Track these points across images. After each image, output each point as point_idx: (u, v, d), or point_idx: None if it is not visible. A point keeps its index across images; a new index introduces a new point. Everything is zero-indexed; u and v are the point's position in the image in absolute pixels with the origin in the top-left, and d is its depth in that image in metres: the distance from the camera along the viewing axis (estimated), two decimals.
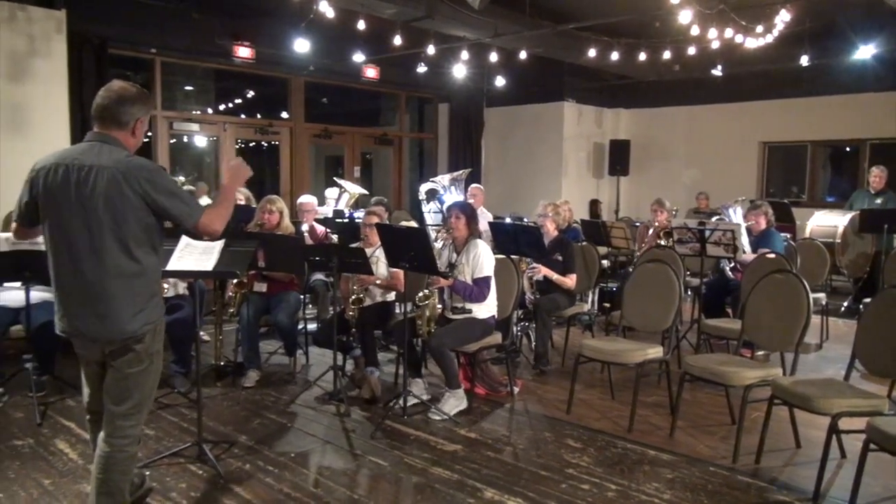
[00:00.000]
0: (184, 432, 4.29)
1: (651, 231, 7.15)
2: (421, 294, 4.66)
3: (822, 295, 6.49)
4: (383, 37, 7.99)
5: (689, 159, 11.81)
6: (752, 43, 7.84)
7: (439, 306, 4.91)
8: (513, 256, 5.35)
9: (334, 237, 6.63)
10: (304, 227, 6.48)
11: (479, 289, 4.73)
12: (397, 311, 5.50)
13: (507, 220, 6.85)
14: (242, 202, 6.39)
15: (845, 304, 8.17)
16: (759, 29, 7.58)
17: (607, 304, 6.92)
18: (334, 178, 9.28)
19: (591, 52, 8.88)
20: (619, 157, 11.97)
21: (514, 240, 5.72)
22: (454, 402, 4.68)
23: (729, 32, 7.53)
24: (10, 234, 4.55)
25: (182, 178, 10.56)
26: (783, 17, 6.98)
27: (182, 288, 5.35)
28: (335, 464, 3.92)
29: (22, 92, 6.15)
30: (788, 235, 7.46)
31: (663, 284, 4.73)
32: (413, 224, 7.10)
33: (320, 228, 6.72)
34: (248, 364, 5.38)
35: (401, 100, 11.96)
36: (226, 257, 3.84)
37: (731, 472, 3.79)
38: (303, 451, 4.09)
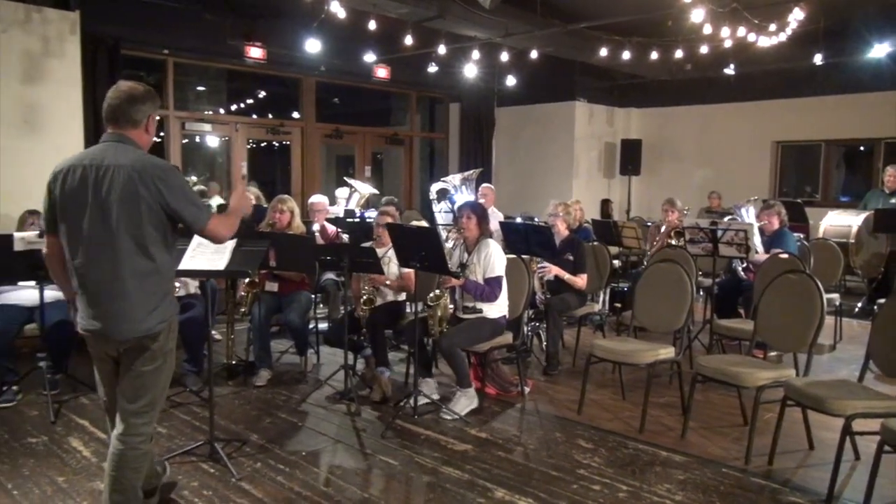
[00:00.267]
0: (196, 431, 4.32)
1: (662, 231, 7.12)
2: (432, 294, 4.66)
3: (835, 295, 6.45)
4: (394, 37, 8.00)
5: (702, 159, 11.75)
6: (765, 42, 7.78)
7: (451, 306, 4.91)
8: (524, 256, 5.34)
9: (345, 237, 6.64)
10: (316, 227, 6.50)
11: (490, 288, 4.72)
12: (408, 310, 5.51)
13: (518, 220, 6.84)
14: (253, 202, 6.41)
15: (859, 304, 8.11)
16: (773, 27, 7.53)
17: (618, 304, 6.90)
18: (345, 178, 9.29)
19: (603, 52, 8.85)
20: (630, 157, 11.92)
21: (524, 239, 5.71)
22: (466, 402, 4.68)
23: (742, 31, 7.48)
24: (25, 234, 4.61)
25: (194, 178, 10.62)
26: (797, 16, 6.92)
27: (194, 287, 5.38)
28: (346, 463, 3.93)
29: (36, 92, 6.20)
30: (801, 235, 7.41)
31: (675, 284, 4.71)
32: (424, 224, 7.10)
33: (331, 228, 6.74)
34: (259, 363, 5.40)
35: (412, 100, 11.96)
36: (237, 257, 3.86)
37: (743, 474, 3.77)
38: (314, 450, 4.10)
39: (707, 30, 7.08)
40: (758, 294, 4.67)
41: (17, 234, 4.61)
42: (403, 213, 9.04)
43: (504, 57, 8.89)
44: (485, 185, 7.98)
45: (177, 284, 4.72)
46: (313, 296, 5.93)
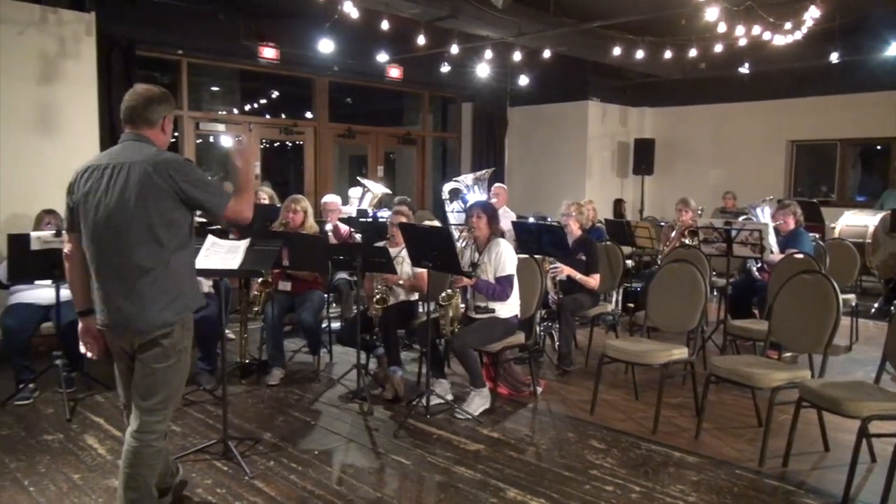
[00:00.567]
0: (209, 429, 4.34)
1: (675, 231, 7.08)
2: (444, 294, 4.66)
3: (851, 296, 6.39)
4: (407, 37, 8.01)
5: (716, 158, 11.68)
6: (780, 40, 7.72)
7: (462, 306, 4.91)
8: (536, 256, 5.33)
9: (358, 236, 6.65)
10: (328, 227, 6.52)
11: (501, 287, 4.72)
12: (420, 310, 5.51)
13: (531, 220, 6.82)
14: (267, 202, 6.44)
15: (876, 305, 8.03)
16: (788, 26, 7.46)
17: (631, 305, 6.87)
18: (358, 178, 9.31)
19: (616, 51, 8.81)
20: (643, 157, 11.87)
21: (537, 239, 5.69)
22: (479, 402, 4.68)
23: (756, 30, 7.42)
24: (41, 233, 4.66)
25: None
26: (812, 14, 6.86)
27: (208, 286, 5.41)
28: (358, 462, 3.94)
29: (52, 93, 6.25)
30: (817, 235, 7.35)
31: (689, 284, 4.69)
32: (436, 223, 7.10)
33: (344, 228, 6.76)
34: (272, 362, 5.43)
35: (424, 99, 11.97)
36: (251, 256, 3.88)
37: (757, 475, 3.74)
38: (326, 448, 4.11)
39: (721, 28, 7.03)
40: (772, 294, 4.64)
41: (33, 234, 4.66)
42: (416, 212, 9.04)
43: (517, 56, 8.87)
44: (497, 184, 7.97)
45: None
46: (326, 295, 5.95)
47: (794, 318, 4.24)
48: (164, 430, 2.96)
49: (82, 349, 3.04)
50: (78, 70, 6.42)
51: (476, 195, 7.29)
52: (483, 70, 9.34)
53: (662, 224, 8.48)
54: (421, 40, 7.63)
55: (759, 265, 6.15)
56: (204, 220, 5.26)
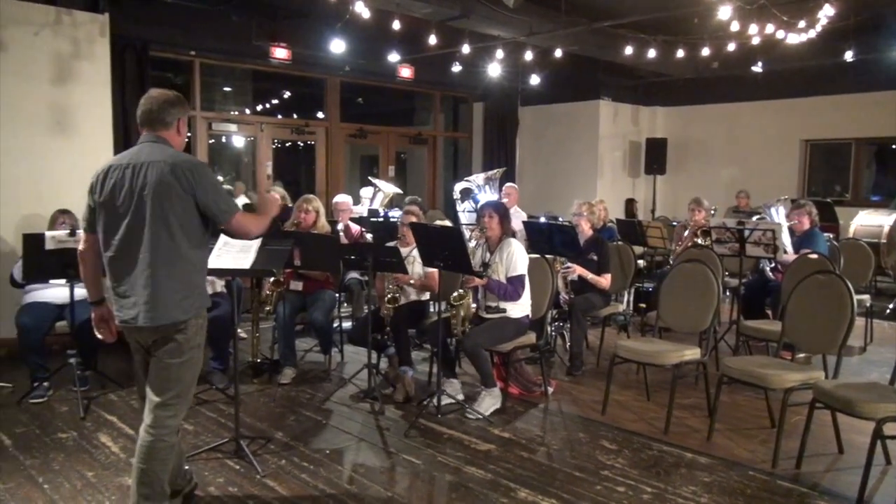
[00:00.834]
0: (222, 428, 4.37)
1: (688, 230, 7.05)
2: (455, 294, 4.66)
3: (866, 297, 6.34)
4: (418, 36, 8.01)
5: (728, 158, 11.61)
6: (794, 38, 7.66)
7: (473, 306, 4.91)
8: (547, 256, 5.32)
9: (369, 236, 6.67)
10: (340, 227, 6.53)
11: (513, 287, 4.71)
12: (431, 310, 5.52)
13: (542, 220, 6.81)
14: (279, 202, 6.45)
15: (890, 306, 7.96)
16: (802, 24, 7.40)
17: (643, 305, 6.84)
18: (369, 178, 9.33)
19: (628, 50, 8.77)
20: (655, 156, 11.82)
21: (548, 239, 5.68)
22: (490, 401, 4.67)
23: (770, 28, 7.37)
24: (56, 233, 4.70)
25: (220, 178, 10.73)
26: (827, 12, 6.80)
27: (220, 286, 5.44)
28: (369, 461, 3.94)
29: (67, 94, 6.30)
30: (831, 235, 7.29)
31: (701, 284, 4.66)
32: (447, 223, 7.10)
33: (355, 227, 6.77)
34: (284, 361, 5.44)
35: (435, 99, 11.97)
36: (263, 256, 3.90)
37: (770, 477, 3.72)
38: (338, 448, 4.12)
39: (734, 27, 6.99)
40: (786, 295, 4.61)
41: (48, 234, 4.70)
42: (427, 212, 9.05)
43: (528, 56, 8.85)
44: (508, 184, 7.96)
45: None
46: (337, 295, 5.97)
47: (808, 319, 4.21)
48: (177, 426, 3.01)
49: (97, 334, 3.11)
50: (92, 71, 6.47)
51: (487, 195, 7.28)
52: (494, 70, 9.32)
53: (674, 224, 8.44)
54: (432, 40, 7.63)
55: (773, 265, 6.11)
56: None
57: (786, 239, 5.73)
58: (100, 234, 2.95)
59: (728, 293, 7.03)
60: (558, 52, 8.75)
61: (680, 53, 8.89)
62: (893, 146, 10.91)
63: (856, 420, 3.52)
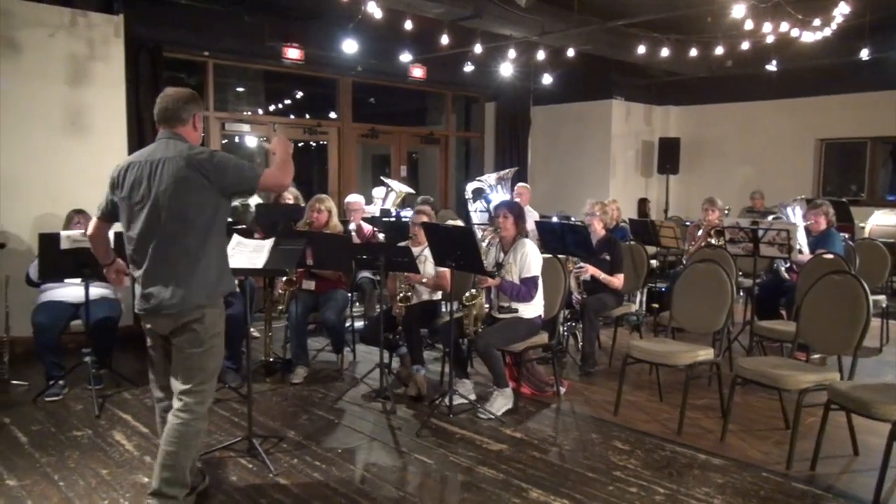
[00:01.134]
0: (234, 426, 4.39)
1: (701, 230, 7.01)
2: (468, 293, 4.66)
3: (882, 297, 6.28)
4: (430, 36, 8.01)
5: (742, 157, 11.52)
6: (808, 37, 7.59)
7: (486, 305, 4.90)
8: (560, 256, 5.31)
9: (381, 236, 6.68)
10: (352, 226, 6.55)
11: (526, 289, 4.70)
12: (444, 309, 5.51)
13: (554, 219, 6.80)
14: (291, 201, 6.49)
15: None
16: (817, 22, 7.34)
17: (656, 305, 6.81)
18: (381, 178, 9.34)
19: (641, 49, 8.73)
20: (668, 156, 11.75)
21: (560, 239, 5.67)
22: (502, 401, 4.67)
23: (784, 26, 7.31)
24: (71, 233, 4.74)
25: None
26: (842, 10, 6.73)
27: (233, 285, 5.45)
28: (381, 460, 3.95)
29: (81, 95, 6.35)
30: (846, 235, 7.22)
31: (715, 284, 4.64)
32: (459, 223, 7.10)
33: (367, 227, 6.78)
34: (296, 361, 5.46)
35: (447, 99, 11.97)
36: (275, 255, 3.92)
37: (784, 479, 3.69)
38: (350, 447, 4.13)
39: (748, 25, 6.94)
40: (801, 295, 4.57)
41: (63, 233, 4.73)
42: (439, 212, 9.05)
43: (540, 55, 8.83)
44: (520, 184, 7.94)
45: None
46: (350, 294, 5.98)
47: (823, 320, 4.17)
48: (204, 413, 3.15)
49: (110, 279, 3.42)
50: (106, 71, 6.52)
51: (499, 195, 7.27)
52: (506, 69, 9.31)
53: (687, 224, 8.39)
54: (444, 40, 7.62)
55: (788, 265, 6.06)
56: (230, 219, 5.32)
57: (802, 239, 5.68)
58: (123, 228, 3.11)
59: (742, 293, 6.98)
60: (570, 52, 8.72)
61: (693, 52, 8.83)
62: None
63: (871, 422, 3.49)
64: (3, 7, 5.89)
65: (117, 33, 6.61)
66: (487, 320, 4.84)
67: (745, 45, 8.30)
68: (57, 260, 4.62)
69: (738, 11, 6.52)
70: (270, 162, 3.24)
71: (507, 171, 7.81)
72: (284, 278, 5.33)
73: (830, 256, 5.47)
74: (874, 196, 10.71)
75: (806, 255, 5.76)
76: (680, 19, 8.22)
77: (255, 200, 6.38)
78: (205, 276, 3.07)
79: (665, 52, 8.76)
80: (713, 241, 6.60)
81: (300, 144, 11.00)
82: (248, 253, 3.92)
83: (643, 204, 12.11)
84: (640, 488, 3.58)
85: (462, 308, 4.68)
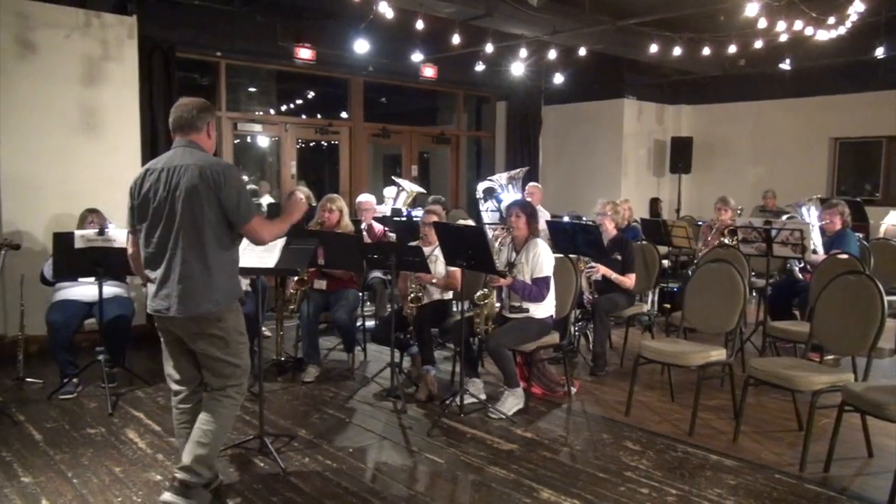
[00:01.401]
0: (246, 425, 4.41)
1: (714, 230, 6.97)
2: (479, 293, 4.66)
3: None
4: (441, 36, 8.01)
5: (755, 157, 11.45)
6: (823, 35, 7.53)
7: (497, 305, 4.90)
8: (571, 256, 5.30)
9: (392, 235, 6.68)
10: (363, 226, 6.56)
11: (538, 289, 4.69)
12: (454, 309, 5.51)
13: (566, 219, 6.78)
14: (304, 201, 6.50)
15: None
16: (831, 20, 7.27)
17: (668, 305, 6.77)
18: (392, 177, 9.36)
19: (653, 48, 8.68)
20: (680, 155, 11.69)
21: (572, 239, 5.66)
22: (513, 401, 4.66)
23: (798, 25, 7.25)
24: (85, 232, 4.78)
25: (245, 178, 10.84)
26: (857, 8, 6.67)
27: (245, 284, 5.48)
28: (392, 460, 3.95)
29: (95, 95, 6.40)
30: (861, 235, 7.16)
31: (727, 284, 4.61)
32: (470, 223, 7.10)
33: (378, 227, 6.79)
34: (307, 360, 5.48)
35: (458, 99, 11.96)
36: (287, 255, 3.94)
37: (797, 480, 3.66)
38: (360, 446, 4.14)
39: (762, 24, 6.89)
40: (814, 295, 4.53)
41: (77, 232, 4.78)
42: (450, 212, 9.05)
43: (552, 55, 8.80)
44: (531, 183, 7.93)
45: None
46: (361, 294, 5.99)
47: (837, 320, 4.14)
48: (240, 398, 3.34)
49: None
50: (120, 72, 6.57)
51: (510, 194, 7.26)
52: (518, 69, 9.29)
53: (700, 223, 8.35)
54: (455, 39, 7.62)
55: (802, 265, 6.02)
56: None
57: (817, 239, 5.64)
58: (142, 232, 3.19)
59: (754, 293, 6.94)
60: (582, 51, 8.70)
61: (706, 51, 8.77)
62: None
63: (886, 423, 3.47)
64: (19, 9, 5.95)
65: (131, 34, 6.66)
66: (498, 320, 4.83)
67: (759, 44, 8.24)
68: (71, 259, 4.67)
69: (751, 10, 6.47)
70: (283, 208, 3.35)
71: (518, 170, 7.79)
72: (296, 278, 5.34)
73: (845, 256, 5.42)
74: (889, 196, 10.60)
75: (820, 255, 5.72)
76: (692, 18, 8.17)
77: (266, 200, 6.41)
78: (217, 282, 3.15)
79: (677, 50, 8.71)
80: (726, 240, 6.56)
81: (311, 144, 11.05)
82: (259, 252, 3.93)
83: (655, 203, 12.06)
84: (652, 489, 3.57)
85: (473, 307, 4.68)
